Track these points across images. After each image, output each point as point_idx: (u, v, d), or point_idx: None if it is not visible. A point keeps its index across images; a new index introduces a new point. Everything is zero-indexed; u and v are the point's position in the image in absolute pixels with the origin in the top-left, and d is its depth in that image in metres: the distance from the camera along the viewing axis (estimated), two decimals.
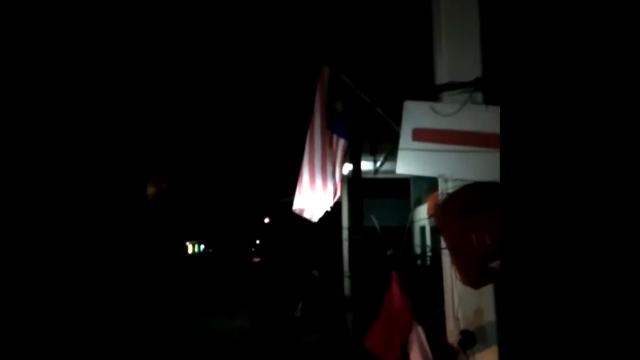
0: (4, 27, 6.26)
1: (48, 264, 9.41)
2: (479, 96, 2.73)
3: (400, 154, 2.72)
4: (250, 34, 5.57)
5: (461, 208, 2.41)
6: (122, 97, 8.64)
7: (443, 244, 2.58)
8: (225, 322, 11.42)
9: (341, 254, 11.35)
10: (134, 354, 8.34)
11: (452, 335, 2.63)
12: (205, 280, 18.15)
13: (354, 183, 7.79)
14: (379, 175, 9.99)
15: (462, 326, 2.58)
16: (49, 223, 9.61)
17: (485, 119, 2.62)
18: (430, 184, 2.88)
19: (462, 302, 2.61)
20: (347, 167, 7.27)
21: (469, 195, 2.46)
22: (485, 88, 2.70)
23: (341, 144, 3.13)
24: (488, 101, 2.71)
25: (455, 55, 2.76)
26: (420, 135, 2.71)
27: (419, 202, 10.45)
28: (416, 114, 2.72)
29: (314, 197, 3.07)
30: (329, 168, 3.06)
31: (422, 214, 10.92)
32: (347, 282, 10.77)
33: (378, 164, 9.41)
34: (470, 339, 2.52)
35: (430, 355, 2.55)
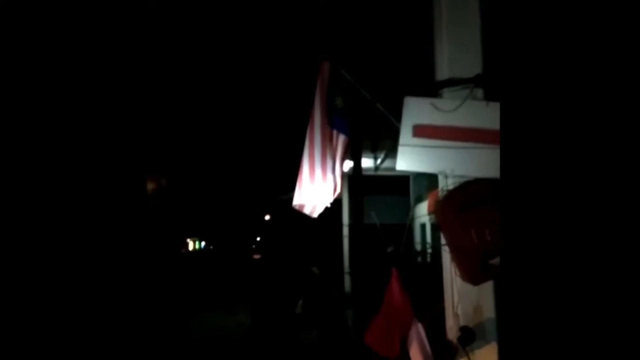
0: (4, 27, 6.27)
1: (47, 259, 9.42)
2: (479, 92, 2.72)
3: (401, 150, 2.71)
4: (250, 30, 5.56)
5: (461, 204, 2.41)
6: (122, 93, 8.63)
7: (443, 241, 2.58)
8: (225, 318, 11.44)
9: (341, 251, 11.36)
10: (134, 351, 8.36)
11: (452, 332, 2.63)
12: (206, 277, 18.17)
13: (355, 180, 7.78)
14: (380, 172, 9.98)
15: (462, 322, 2.58)
16: (48, 219, 9.62)
17: (485, 115, 2.61)
18: (430, 180, 2.87)
19: (462, 298, 2.61)
20: (348, 164, 7.26)
21: (469, 192, 2.46)
22: (486, 84, 2.70)
23: (341, 139, 3.12)
24: (489, 97, 2.70)
25: (456, 51, 2.75)
26: (420, 131, 2.70)
27: (419, 199, 10.45)
28: (416, 110, 2.72)
29: (314, 193, 3.06)
30: (329, 164, 3.05)
31: (422, 211, 10.93)
32: (347, 279, 10.79)
33: (379, 161, 9.40)
34: (469, 335, 2.53)
35: (429, 351, 2.55)
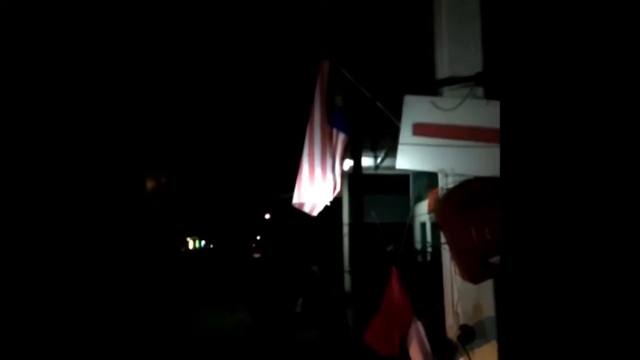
0: (4, 26, 6.27)
1: (46, 258, 9.42)
2: (479, 91, 2.71)
3: (401, 149, 2.71)
4: (250, 28, 5.55)
5: (461, 203, 2.41)
6: (122, 91, 8.63)
7: (443, 240, 2.58)
8: (225, 317, 11.45)
9: (341, 250, 11.37)
10: (135, 349, 8.36)
11: (452, 330, 2.63)
12: (206, 275, 18.19)
13: (355, 179, 7.78)
14: (380, 171, 9.98)
15: (462, 321, 2.58)
16: (47, 217, 9.62)
17: (486, 113, 2.61)
18: (430, 179, 2.87)
19: (462, 297, 2.61)
20: (348, 163, 7.26)
21: (469, 191, 2.46)
22: (486, 83, 2.69)
23: (341, 138, 3.12)
24: (489, 96, 2.70)
25: (456, 49, 2.75)
26: (420, 130, 2.70)
27: (419, 198, 10.45)
28: (416, 109, 2.71)
29: (314, 191, 3.06)
30: (329, 162, 3.05)
31: (422, 210, 10.93)
32: (347, 278, 10.79)
33: (379, 159, 9.40)
34: (469, 333, 2.53)
35: (429, 350, 2.55)
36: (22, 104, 8.53)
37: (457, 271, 2.48)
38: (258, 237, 34.46)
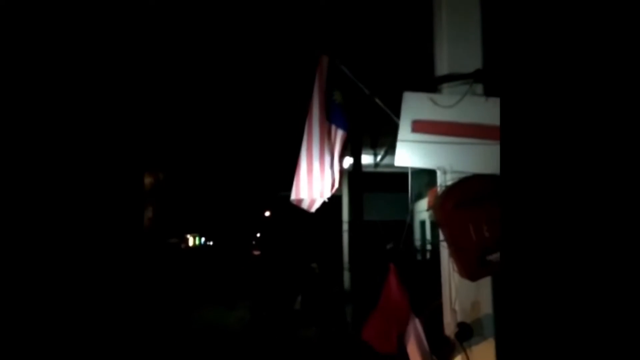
0: (5, 25, 6.26)
1: (44, 255, 9.43)
2: (479, 88, 2.70)
3: (399, 146, 2.70)
4: (249, 24, 5.54)
5: (460, 200, 2.40)
6: (121, 87, 8.62)
7: (441, 237, 2.57)
8: (224, 313, 11.47)
9: (341, 248, 11.36)
10: (135, 345, 8.38)
11: (449, 328, 2.63)
12: (206, 272, 18.22)
13: (355, 176, 7.78)
14: (380, 169, 9.96)
15: (459, 318, 2.58)
16: (46, 214, 9.62)
17: (485, 110, 2.60)
18: (430, 177, 2.86)
19: (460, 294, 2.60)
20: (348, 161, 7.26)
21: (468, 188, 2.45)
22: (486, 80, 2.68)
23: (340, 134, 3.11)
24: (488, 93, 2.69)
25: (456, 46, 2.73)
26: (419, 126, 2.69)
27: (419, 196, 10.44)
28: (415, 106, 2.70)
29: (312, 188, 3.05)
30: (327, 159, 3.04)
31: (422, 208, 10.92)
32: (346, 276, 10.79)
33: (379, 157, 9.38)
34: (467, 331, 2.52)
35: (427, 347, 2.55)
36: (21, 102, 8.53)
37: (455, 268, 2.48)
38: (258, 235, 34.49)
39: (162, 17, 5.47)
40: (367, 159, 9.12)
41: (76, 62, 7.44)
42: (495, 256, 2.27)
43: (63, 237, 10.05)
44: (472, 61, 2.70)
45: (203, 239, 34.95)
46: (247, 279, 15.37)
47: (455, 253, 2.45)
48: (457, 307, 2.61)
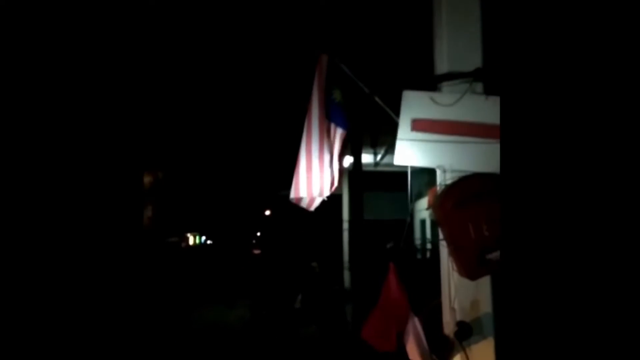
0: (5, 26, 6.27)
1: (46, 255, 9.44)
2: (479, 86, 2.70)
3: (399, 145, 2.69)
4: (248, 23, 5.53)
5: (459, 199, 2.39)
6: (121, 86, 8.61)
7: (441, 235, 2.57)
8: (225, 312, 11.48)
9: (341, 247, 11.36)
10: (135, 344, 8.38)
11: (449, 327, 2.63)
12: (206, 271, 18.23)
13: (355, 175, 7.77)
14: (380, 168, 9.96)
15: (459, 317, 2.58)
16: (47, 214, 9.63)
17: (485, 109, 2.59)
18: (431, 176, 2.85)
19: (459, 293, 2.60)
20: (348, 160, 7.25)
21: (468, 187, 2.45)
22: (486, 78, 2.67)
23: (339, 133, 3.10)
24: (488, 91, 2.68)
25: (456, 44, 2.73)
26: (419, 125, 2.68)
27: (419, 195, 10.44)
28: (415, 104, 2.69)
29: (311, 186, 3.05)
30: (326, 158, 3.03)
31: (422, 207, 10.91)
32: (347, 275, 10.79)
33: (379, 156, 9.38)
34: (466, 330, 2.52)
35: (426, 346, 2.54)
36: (22, 102, 8.53)
37: (455, 267, 2.48)
38: (258, 234, 34.47)
39: (163, 15, 5.47)
40: (367, 158, 9.12)
41: (76, 62, 7.44)
42: (494, 255, 2.27)
43: (63, 237, 10.05)
44: (472, 59, 2.70)
45: (203, 238, 34.98)
46: (247, 277, 15.38)
47: (454, 252, 2.45)
48: (456, 306, 2.61)
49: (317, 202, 3.14)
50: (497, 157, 1.83)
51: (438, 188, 2.63)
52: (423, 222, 12.04)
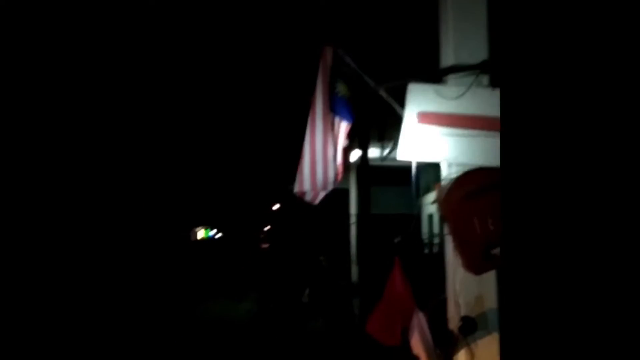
0: (6, 28, 6.30)
1: (55, 249, 9.54)
2: (485, 79, 2.67)
3: (404, 138, 2.67)
4: (254, 16, 5.51)
5: (465, 193, 2.37)
6: (127, 78, 8.64)
7: (447, 230, 2.55)
8: (232, 305, 11.56)
9: (349, 241, 11.37)
10: (144, 336, 8.47)
11: (453, 321, 2.62)
12: (215, 264, 18.37)
13: (362, 170, 7.75)
14: (387, 163, 9.92)
15: (463, 312, 2.56)
16: (56, 209, 9.73)
17: (491, 102, 2.56)
18: (438, 170, 2.83)
19: (464, 288, 2.59)
20: (355, 154, 7.23)
21: (473, 180, 2.42)
22: (492, 71, 2.64)
23: (343, 126, 3.08)
24: (494, 84, 2.65)
25: (462, 37, 2.70)
26: (424, 118, 2.66)
27: (427, 190, 10.40)
28: (421, 97, 2.67)
29: (315, 180, 3.03)
30: (330, 151, 3.02)
31: (429, 201, 10.87)
32: (354, 269, 10.81)
33: (386, 151, 9.34)
34: (471, 325, 2.51)
35: (430, 340, 2.54)
36: (25, 103, 8.58)
37: (460, 262, 2.46)
38: (266, 228, 34.61)
39: (166, 10, 5.47)
40: (374, 152, 9.08)
41: (76, 61, 7.47)
42: (499, 250, 2.25)
43: (71, 231, 10.15)
44: (478, 52, 2.67)
45: (212, 232, 35.22)
46: (255, 271, 15.46)
47: (459, 246, 2.43)
48: (461, 301, 2.59)
49: (321, 195, 3.13)
50: None
51: (443, 182, 2.61)
52: (431, 216, 12.00)
